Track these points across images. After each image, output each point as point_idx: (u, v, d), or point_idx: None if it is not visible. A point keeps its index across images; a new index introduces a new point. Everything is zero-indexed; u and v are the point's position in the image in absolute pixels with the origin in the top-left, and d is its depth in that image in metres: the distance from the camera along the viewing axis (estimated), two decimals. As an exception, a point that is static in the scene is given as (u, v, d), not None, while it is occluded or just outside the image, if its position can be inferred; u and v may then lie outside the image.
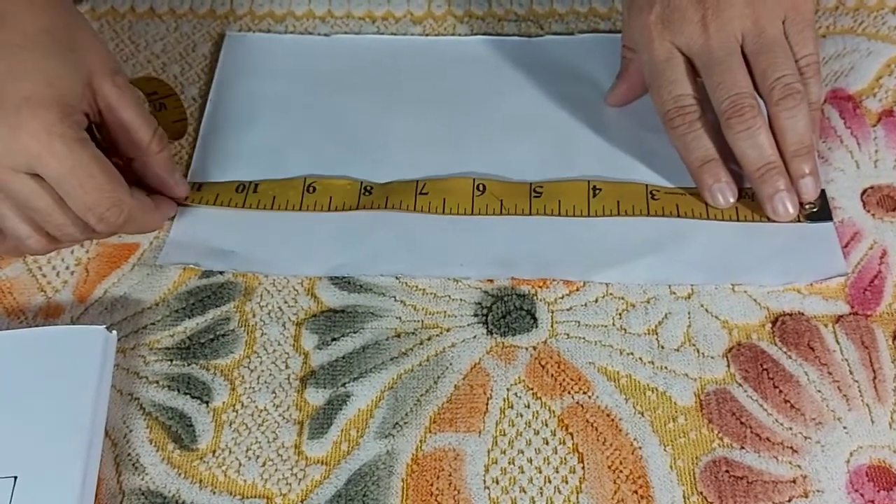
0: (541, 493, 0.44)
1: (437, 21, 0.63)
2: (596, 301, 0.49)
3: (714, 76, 0.50)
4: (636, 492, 0.43)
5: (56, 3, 0.48)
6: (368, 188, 0.54)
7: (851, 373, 0.46)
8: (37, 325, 0.50)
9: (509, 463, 0.45)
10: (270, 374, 0.48)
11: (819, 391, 0.46)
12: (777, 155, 0.50)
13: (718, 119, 0.51)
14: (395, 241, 0.52)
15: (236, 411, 0.47)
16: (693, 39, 0.51)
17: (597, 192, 0.53)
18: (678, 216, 0.52)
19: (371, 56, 0.61)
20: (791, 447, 0.44)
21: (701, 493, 0.43)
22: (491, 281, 0.50)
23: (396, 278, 0.51)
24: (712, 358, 0.47)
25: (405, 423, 0.46)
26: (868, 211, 0.52)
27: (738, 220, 0.51)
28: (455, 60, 0.61)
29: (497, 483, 0.44)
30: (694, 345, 0.48)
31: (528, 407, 0.46)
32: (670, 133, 0.52)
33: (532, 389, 0.47)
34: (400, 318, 0.49)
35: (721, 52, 0.50)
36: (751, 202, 0.52)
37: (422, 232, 0.52)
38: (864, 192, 0.53)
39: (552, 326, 0.49)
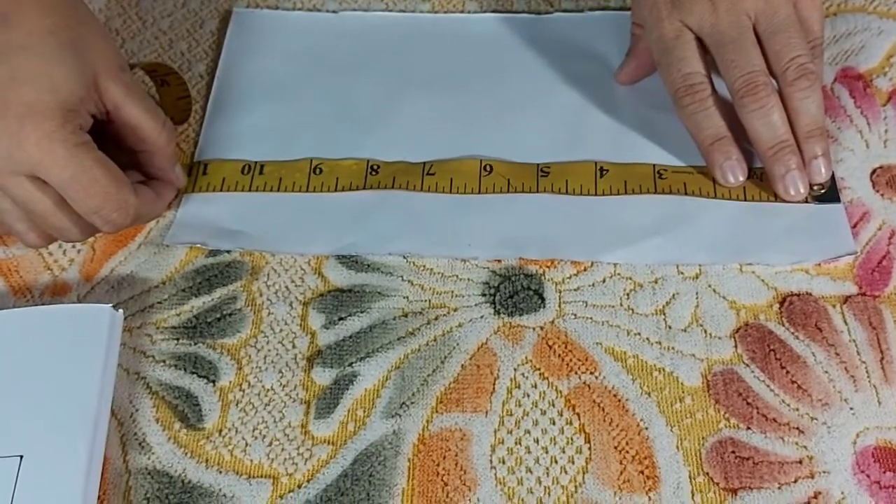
0: (547, 473, 0.44)
1: (444, -2, 0.63)
2: (603, 281, 0.49)
3: (726, 55, 0.50)
4: (642, 472, 0.43)
5: (63, 0, 0.47)
6: (375, 167, 0.54)
7: (859, 354, 0.46)
8: (43, 304, 0.50)
9: (516, 443, 0.45)
10: (277, 354, 0.48)
11: (826, 372, 0.46)
12: (790, 134, 0.50)
13: (730, 97, 0.50)
14: (402, 221, 0.52)
15: (243, 391, 0.47)
16: (704, 18, 0.50)
17: (604, 172, 0.53)
18: (685, 194, 0.51)
19: (379, 34, 0.61)
20: (797, 428, 0.44)
21: (707, 473, 0.43)
22: (499, 261, 0.50)
23: (404, 258, 0.51)
24: (719, 338, 0.47)
25: (412, 402, 0.46)
26: (877, 191, 0.52)
27: (746, 200, 0.51)
28: (464, 38, 0.60)
29: (503, 463, 0.44)
30: (701, 325, 0.48)
31: (535, 387, 0.46)
32: (680, 111, 0.52)
33: (539, 370, 0.47)
34: (407, 297, 0.49)
35: (733, 32, 0.50)
36: (759, 182, 0.51)
37: (430, 212, 0.52)
38: (873, 172, 0.52)
39: (559, 306, 0.49)
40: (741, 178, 0.51)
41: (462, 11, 0.62)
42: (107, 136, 0.49)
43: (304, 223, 0.52)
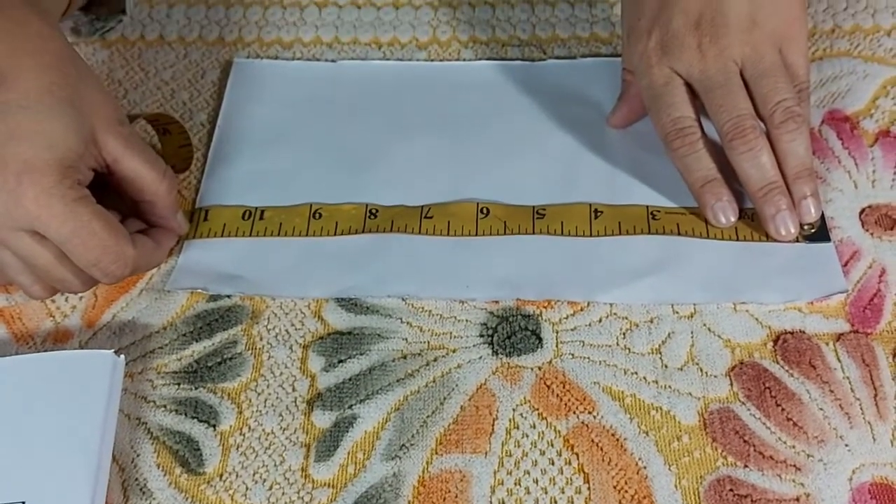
0: (547, 512, 0.44)
1: (442, 46, 0.64)
2: (600, 321, 0.50)
3: (715, 99, 0.51)
4: (642, 511, 0.44)
5: (61, 58, 0.48)
6: (374, 211, 0.55)
7: (853, 390, 0.47)
8: (45, 350, 0.51)
9: (515, 484, 0.45)
10: (277, 397, 0.48)
11: (821, 409, 0.46)
12: (779, 175, 0.51)
13: (720, 140, 0.51)
14: (401, 263, 0.53)
15: (243, 435, 0.47)
16: (692, 65, 0.52)
17: (598, 214, 0.53)
18: (679, 235, 0.52)
19: (377, 81, 0.62)
20: (794, 465, 0.44)
21: (706, 511, 0.44)
22: (496, 302, 0.51)
23: (403, 300, 0.51)
24: (715, 377, 0.48)
25: (411, 444, 0.46)
26: (867, 230, 0.52)
27: (738, 240, 0.52)
28: (459, 85, 0.62)
29: None
30: (697, 364, 0.48)
31: (534, 427, 0.47)
32: (671, 154, 0.53)
33: (537, 410, 0.47)
34: (406, 339, 0.50)
35: (720, 77, 0.51)
36: (751, 222, 0.52)
37: (427, 254, 0.53)
38: (862, 211, 0.53)
39: (557, 346, 0.49)
40: (732, 219, 0.52)
41: (458, 59, 0.63)
42: (108, 187, 0.50)
43: (304, 267, 0.53)
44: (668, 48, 0.52)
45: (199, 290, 0.52)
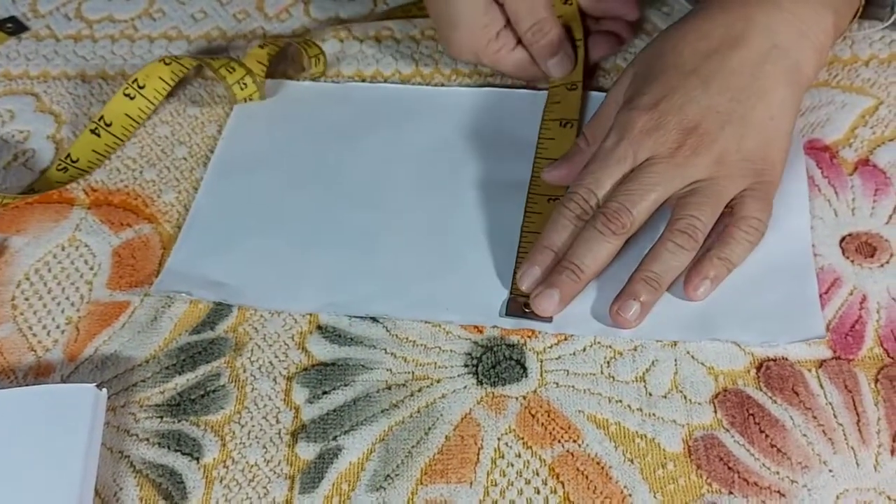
0: (533, 542, 0.44)
1: (425, 79, 0.65)
2: (584, 350, 0.50)
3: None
4: (628, 539, 0.44)
5: None
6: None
7: (836, 416, 0.47)
8: (27, 385, 0.50)
9: (501, 513, 0.45)
10: (261, 429, 0.48)
11: (804, 435, 0.46)
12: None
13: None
14: (382, 283, 0.53)
15: (227, 467, 0.47)
16: (659, 155, 0.51)
17: None
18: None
19: (357, 105, 0.63)
20: (778, 491, 0.44)
21: (692, 539, 0.44)
22: (480, 331, 0.51)
23: (386, 330, 0.51)
24: (699, 404, 0.48)
25: (396, 475, 0.46)
26: (847, 258, 0.53)
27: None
28: (440, 109, 0.62)
29: (489, 533, 0.44)
30: (681, 391, 0.48)
31: (519, 456, 0.47)
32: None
33: (522, 439, 0.47)
34: (390, 369, 0.50)
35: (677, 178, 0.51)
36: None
37: (408, 276, 0.53)
38: (842, 239, 0.54)
39: (541, 375, 0.49)
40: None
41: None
42: None
43: (289, 280, 0.54)
44: (651, 134, 0.52)
45: (184, 295, 0.52)
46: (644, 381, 0.49)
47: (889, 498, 0.44)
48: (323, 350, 0.51)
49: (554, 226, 0.52)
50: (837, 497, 0.44)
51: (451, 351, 0.50)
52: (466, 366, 0.50)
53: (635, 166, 0.51)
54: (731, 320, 0.50)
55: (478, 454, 0.47)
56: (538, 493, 0.45)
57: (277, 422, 0.48)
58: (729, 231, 0.51)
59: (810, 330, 0.50)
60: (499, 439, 0.47)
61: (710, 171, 0.51)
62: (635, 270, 0.50)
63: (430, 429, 0.48)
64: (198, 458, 0.47)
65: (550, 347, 0.50)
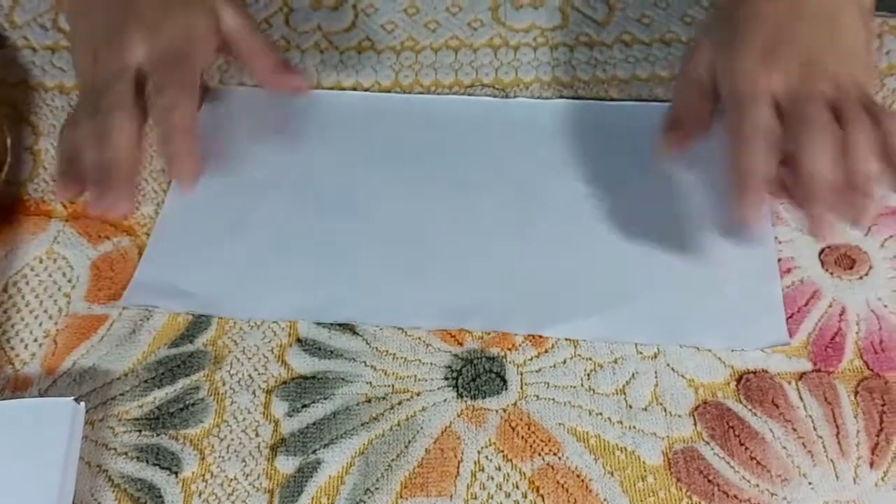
0: (513, 556, 0.44)
1: (405, 90, 0.65)
2: (564, 362, 0.50)
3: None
4: (608, 553, 0.44)
5: None
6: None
7: (815, 429, 0.47)
8: (4, 398, 0.50)
9: (481, 527, 0.45)
10: (240, 443, 0.48)
11: (784, 447, 0.46)
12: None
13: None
14: (349, 288, 0.53)
15: (206, 481, 0.47)
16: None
17: None
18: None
19: (325, 111, 0.63)
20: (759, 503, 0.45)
21: (672, 552, 0.43)
22: (461, 344, 0.51)
23: (366, 342, 0.51)
24: (679, 416, 0.48)
25: (376, 488, 0.46)
26: (826, 270, 0.53)
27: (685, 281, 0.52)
28: (411, 116, 0.62)
29: (469, 547, 0.44)
30: (661, 404, 0.48)
31: (499, 469, 0.46)
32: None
33: (503, 452, 0.47)
34: (370, 382, 0.50)
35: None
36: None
37: (375, 280, 0.53)
38: (822, 251, 0.54)
39: (522, 388, 0.49)
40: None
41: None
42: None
43: (255, 288, 0.54)
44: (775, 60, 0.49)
45: (152, 308, 0.52)
46: (624, 393, 0.49)
47: (868, 510, 0.44)
48: (302, 363, 0.51)
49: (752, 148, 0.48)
50: (817, 509, 0.44)
51: (431, 364, 0.50)
52: (446, 378, 0.50)
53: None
54: (698, 325, 0.51)
55: (458, 467, 0.47)
56: (518, 506, 0.45)
57: (257, 435, 0.48)
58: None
59: (774, 337, 0.50)
60: (479, 452, 0.47)
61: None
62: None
63: (410, 442, 0.47)
64: (176, 472, 0.47)
65: (531, 360, 0.50)
